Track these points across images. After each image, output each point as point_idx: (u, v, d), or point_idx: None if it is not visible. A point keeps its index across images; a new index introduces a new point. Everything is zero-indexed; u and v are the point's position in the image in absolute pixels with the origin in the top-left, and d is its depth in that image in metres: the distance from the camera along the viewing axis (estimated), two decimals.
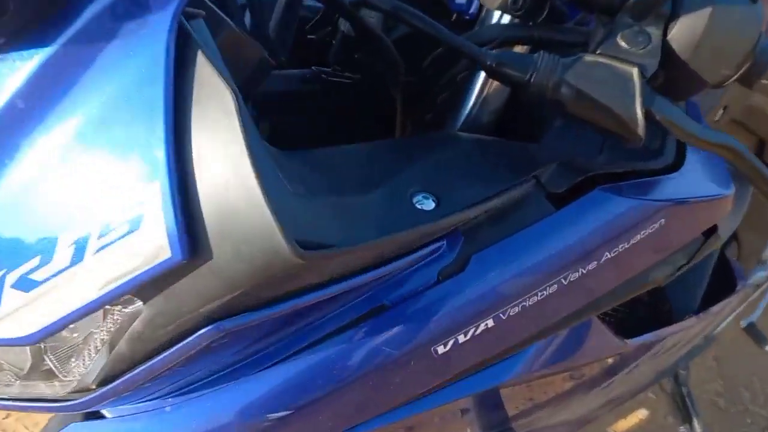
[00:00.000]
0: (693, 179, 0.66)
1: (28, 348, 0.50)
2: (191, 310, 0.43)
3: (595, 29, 0.58)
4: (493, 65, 0.57)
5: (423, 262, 0.55)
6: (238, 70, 0.52)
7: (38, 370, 0.51)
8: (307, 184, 0.50)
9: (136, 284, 0.41)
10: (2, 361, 0.52)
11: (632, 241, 0.60)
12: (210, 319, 0.44)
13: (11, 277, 0.44)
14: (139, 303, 0.44)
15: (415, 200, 0.52)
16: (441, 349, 0.56)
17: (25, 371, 0.51)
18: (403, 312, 0.54)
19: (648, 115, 0.53)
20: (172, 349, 0.45)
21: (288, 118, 0.76)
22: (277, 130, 0.81)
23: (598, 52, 0.55)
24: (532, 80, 0.55)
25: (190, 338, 0.44)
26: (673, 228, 0.62)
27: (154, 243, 0.40)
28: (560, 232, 0.57)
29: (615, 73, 0.54)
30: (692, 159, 0.67)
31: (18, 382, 0.52)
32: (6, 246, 0.44)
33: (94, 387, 0.50)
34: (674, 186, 0.63)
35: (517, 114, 0.68)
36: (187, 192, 0.40)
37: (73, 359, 0.50)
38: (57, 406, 0.52)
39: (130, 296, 0.44)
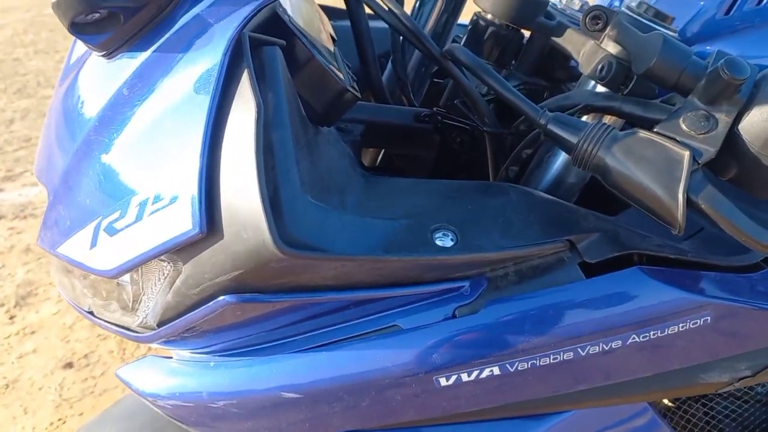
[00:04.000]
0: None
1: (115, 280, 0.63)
2: (210, 279, 0.52)
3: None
4: (546, 125, 0.58)
5: (443, 296, 0.59)
6: (318, 96, 0.61)
7: (119, 301, 0.64)
8: (347, 200, 0.58)
9: (169, 247, 0.52)
10: (102, 289, 0.66)
11: (667, 332, 0.57)
12: (226, 291, 0.53)
13: (104, 223, 0.57)
14: (180, 262, 0.55)
15: (435, 235, 0.56)
16: (443, 382, 0.59)
17: (110, 301, 0.64)
18: (414, 337, 0.58)
19: (692, 204, 0.52)
20: (197, 310, 0.55)
21: (398, 149, 0.84)
22: (391, 158, 0.89)
23: (655, 130, 0.55)
24: (579, 144, 0.56)
25: (207, 304, 0.54)
26: (723, 330, 0.58)
27: (183, 217, 0.50)
28: (584, 302, 0.57)
29: (665, 154, 0.52)
30: None
31: (110, 307, 0.66)
32: (104, 197, 0.57)
33: (155, 326, 0.62)
34: (735, 286, 0.59)
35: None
36: (212, 182, 0.50)
37: (141, 297, 0.62)
38: (128, 334, 0.65)
39: (172, 255, 0.54)
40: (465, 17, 0.94)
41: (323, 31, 0.77)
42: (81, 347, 1.99)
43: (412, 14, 0.96)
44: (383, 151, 0.89)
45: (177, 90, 0.53)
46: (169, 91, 0.54)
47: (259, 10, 0.52)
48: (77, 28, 0.55)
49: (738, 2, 0.74)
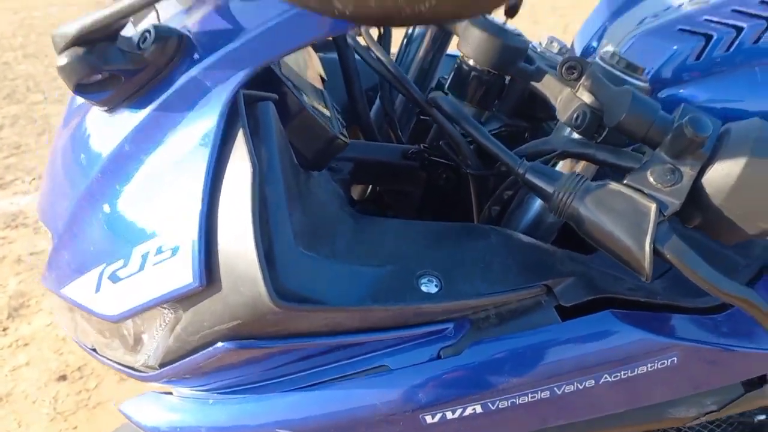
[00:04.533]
0: (731, 326, 0.64)
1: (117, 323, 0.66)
2: (209, 327, 0.56)
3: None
4: (524, 174, 0.62)
5: (429, 338, 0.62)
6: (308, 144, 0.65)
7: (121, 341, 0.67)
8: (337, 247, 0.61)
9: (171, 297, 0.55)
10: (105, 330, 0.70)
11: (637, 371, 0.61)
12: (224, 338, 0.57)
13: (108, 270, 0.60)
14: (181, 310, 0.58)
15: (420, 280, 0.60)
16: (429, 419, 0.63)
17: (113, 340, 0.68)
18: (401, 377, 0.62)
19: (658, 253, 0.55)
20: (197, 354, 0.58)
21: (386, 185, 0.88)
22: (378, 194, 0.92)
23: (625, 182, 0.58)
24: (554, 195, 0.59)
25: (207, 350, 0.57)
26: (690, 369, 0.62)
27: (183, 270, 0.54)
28: (560, 343, 0.61)
29: (634, 206, 0.55)
30: None
31: (112, 345, 0.69)
32: (108, 246, 0.60)
33: (156, 366, 0.65)
34: (700, 327, 0.63)
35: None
36: (210, 236, 0.53)
37: (143, 339, 0.65)
38: (131, 373, 0.68)
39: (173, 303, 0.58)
40: (453, 47, 0.97)
41: (311, 69, 0.81)
42: (74, 359, 2.01)
43: (399, 51, 1.00)
44: (367, 187, 0.93)
45: (177, 147, 0.57)
46: (169, 148, 0.57)
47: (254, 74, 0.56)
48: (81, 89, 0.58)
49: (708, 48, 0.78)
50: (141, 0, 0.50)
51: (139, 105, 0.59)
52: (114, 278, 0.60)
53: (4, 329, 2.16)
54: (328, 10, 0.36)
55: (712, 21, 0.80)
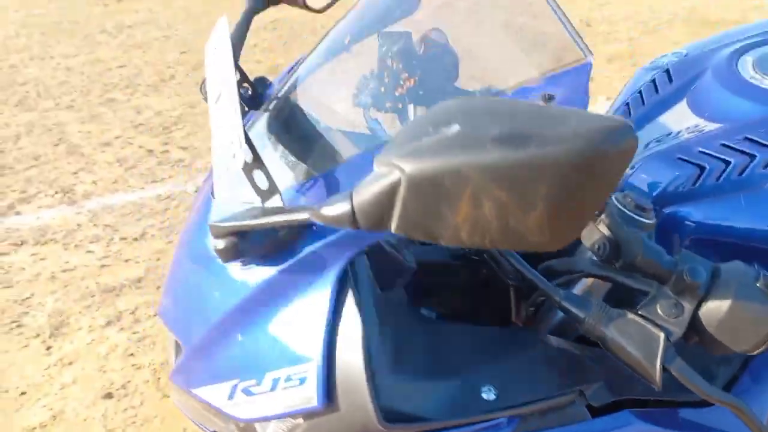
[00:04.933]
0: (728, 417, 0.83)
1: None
2: None
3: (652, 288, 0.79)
4: (560, 301, 0.79)
5: (489, 429, 0.81)
6: (388, 276, 0.83)
7: None
8: (417, 362, 0.79)
9: (295, 413, 0.74)
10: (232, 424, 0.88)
11: None
12: None
13: (241, 385, 0.78)
14: (301, 419, 0.77)
15: (482, 389, 0.79)
16: None
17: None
18: None
19: (666, 370, 0.73)
20: None
21: (439, 279, 1.06)
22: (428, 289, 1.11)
23: (640, 312, 0.76)
24: (585, 320, 0.77)
25: None
26: None
27: (309, 394, 0.72)
28: None
29: (646, 333, 0.73)
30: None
31: None
32: (243, 368, 0.78)
33: None
34: (706, 418, 0.82)
35: None
36: (330, 369, 0.72)
37: None
38: None
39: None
40: None
41: None
42: (117, 377, 2.20)
43: None
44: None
45: (300, 302, 0.75)
46: (294, 301, 0.75)
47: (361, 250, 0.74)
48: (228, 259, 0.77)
49: (702, 177, 0.97)
50: (291, 217, 0.68)
51: (271, 263, 0.77)
52: (247, 392, 0.78)
53: (48, 348, 2.33)
54: (431, 240, 0.55)
55: (705, 153, 0.98)
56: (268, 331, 0.77)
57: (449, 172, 0.53)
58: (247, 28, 1.04)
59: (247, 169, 0.72)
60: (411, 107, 1.06)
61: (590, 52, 0.80)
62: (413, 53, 1.09)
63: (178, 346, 1.00)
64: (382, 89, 1.04)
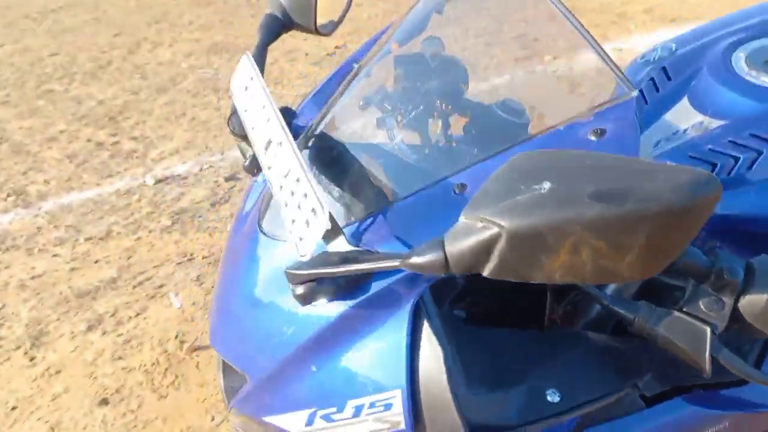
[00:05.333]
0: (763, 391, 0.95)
1: None
2: None
3: (688, 285, 0.87)
4: (608, 305, 0.87)
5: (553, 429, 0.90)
6: (439, 287, 0.90)
7: None
8: (485, 374, 0.87)
9: None
10: None
11: None
12: None
13: (321, 412, 0.85)
14: None
15: (547, 393, 0.87)
16: None
17: None
18: None
19: (714, 360, 0.82)
20: None
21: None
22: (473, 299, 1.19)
23: (684, 309, 0.83)
24: (635, 321, 0.85)
25: None
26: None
27: (397, 419, 0.80)
28: (646, 425, 0.90)
29: (694, 328, 0.82)
30: None
31: None
32: (320, 396, 0.85)
33: None
34: (748, 396, 0.93)
35: None
36: (415, 393, 0.79)
37: None
38: None
39: None
40: None
41: None
42: (110, 382, 2.21)
43: None
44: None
45: (378, 334, 0.81)
46: (371, 334, 0.82)
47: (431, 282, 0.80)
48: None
49: (715, 172, 1.07)
50: (379, 264, 0.74)
51: (342, 299, 0.82)
52: (327, 419, 0.84)
53: (32, 359, 2.31)
54: (521, 280, 0.64)
55: (714, 150, 1.08)
56: (346, 362, 0.83)
57: (550, 228, 0.60)
58: (264, 61, 1.07)
59: (321, 222, 0.77)
60: (430, 122, 1.12)
61: (633, 87, 0.85)
62: (428, 71, 1.15)
63: (226, 371, 1.05)
64: (403, 110, 1.10)
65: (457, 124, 1.12)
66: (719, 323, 0.82)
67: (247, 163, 1.13)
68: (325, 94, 1.18)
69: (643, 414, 0.91)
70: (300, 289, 0.79)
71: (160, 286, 2.59)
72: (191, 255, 2.74)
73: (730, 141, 1.08)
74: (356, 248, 0.81)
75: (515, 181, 0.64)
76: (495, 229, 0.62)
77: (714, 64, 1.26)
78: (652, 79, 1.33)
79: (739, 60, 1.26)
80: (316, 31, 1.20)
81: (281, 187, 0.84)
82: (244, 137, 1.06)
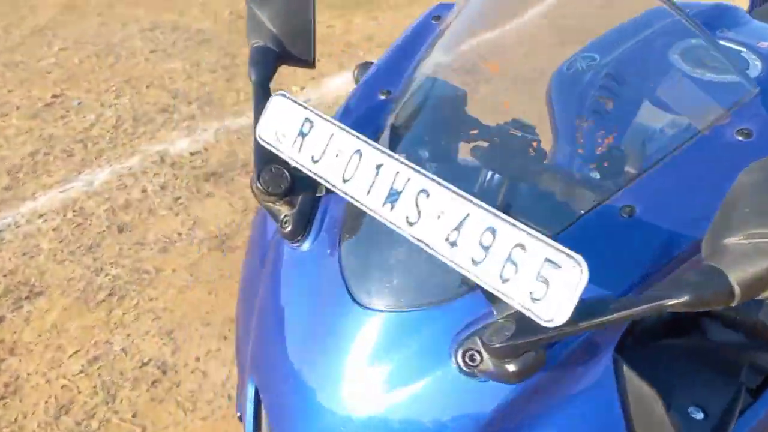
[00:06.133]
0: None
1: None
2: None
3: None
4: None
5: None
6: None
7: None
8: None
9: None
10: None
11: None
12: None
13: None
14: None
15: (690, 411, 0.87)
16: None
17: None
18: None
19: None
20: None
21: None
22: None
23: None
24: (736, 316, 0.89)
25: None
26: None
27: None
28: (756, 419, 0.91)
29: None
30: None
31: None
32: None
33: None
34: None
35: None
36: None
37: None
38: None
39: None
40: None
41: None
42: None
43: None
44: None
45: (582, 393, 0.77)
46: (575, 395, 0.77)
47: None
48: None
49: None
50: (631, 311, 0.65)
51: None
52: None
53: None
54: None
55: None
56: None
57: None
58: (266, 101, 0.86)
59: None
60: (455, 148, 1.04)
61: (756, 85, 0.84)
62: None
63: None
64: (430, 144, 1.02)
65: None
66: None
67: (289, 228, 0.91)
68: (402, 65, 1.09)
69: (755, 407, 0.92)
70: (513, 366, 0.68)
71: None
72: None
73: None
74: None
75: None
76: None
77: (659, 66, 1.15)
78: (602, 86, 1.18)
79: (678, 61, 1.13)
80: (312, 64, 1.05)
81: (446, 239, 0.67)
82: (280, 197, 0.90)
